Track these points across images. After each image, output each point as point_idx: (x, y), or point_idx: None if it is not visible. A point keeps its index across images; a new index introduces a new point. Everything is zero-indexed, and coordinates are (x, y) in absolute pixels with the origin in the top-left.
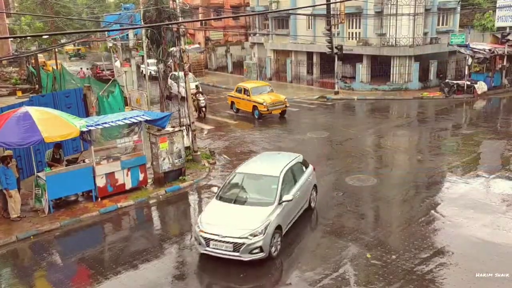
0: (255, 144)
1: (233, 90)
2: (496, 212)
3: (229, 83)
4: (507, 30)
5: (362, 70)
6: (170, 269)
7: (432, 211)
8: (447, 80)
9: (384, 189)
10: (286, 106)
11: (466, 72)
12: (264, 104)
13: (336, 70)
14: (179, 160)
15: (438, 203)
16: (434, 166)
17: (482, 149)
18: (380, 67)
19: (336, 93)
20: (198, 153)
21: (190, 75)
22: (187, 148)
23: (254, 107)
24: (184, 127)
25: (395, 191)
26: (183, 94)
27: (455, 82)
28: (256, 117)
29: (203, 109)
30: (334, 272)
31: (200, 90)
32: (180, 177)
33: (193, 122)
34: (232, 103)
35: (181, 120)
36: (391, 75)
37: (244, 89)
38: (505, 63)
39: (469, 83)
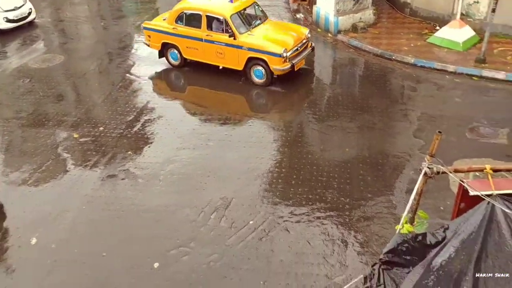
0: None
1: (161, 16)
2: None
3: None
4: None
5: None
6: None
7: (127, 75)
8: None
9: (75, 64)
10: (313, 49)
11: None
12: (284, 54)
13: None
14: None
15: (131, 65)
16: (119, 30)
17: (158, 5)
18: None
19: None
20: None
21: None
22: None
23: (254, 61)
24: None
25: (88, 63)
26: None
27: None
28: (260, 81)
29: None
30: (44, 164)
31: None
32: None
33: None
34: (166, 47)
35: None
36: None
37: (209, 16)
38: None
39: None
